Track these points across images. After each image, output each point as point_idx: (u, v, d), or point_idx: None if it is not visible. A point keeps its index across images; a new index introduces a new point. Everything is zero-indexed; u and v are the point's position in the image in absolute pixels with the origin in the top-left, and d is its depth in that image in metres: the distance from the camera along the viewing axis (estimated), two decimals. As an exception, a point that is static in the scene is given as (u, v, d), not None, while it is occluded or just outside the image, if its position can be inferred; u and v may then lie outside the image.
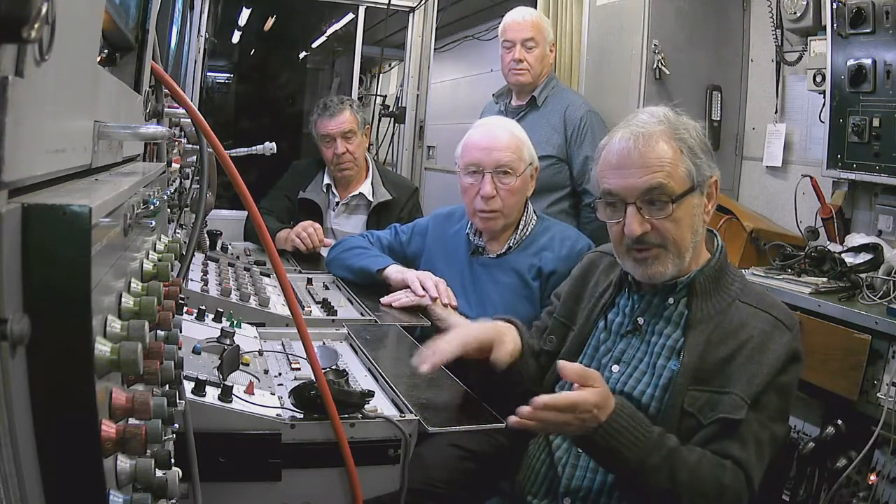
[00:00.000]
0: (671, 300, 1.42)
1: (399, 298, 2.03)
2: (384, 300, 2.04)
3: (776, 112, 3.08)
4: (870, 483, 2.07)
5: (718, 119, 3.20)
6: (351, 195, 2.95)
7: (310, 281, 2.29)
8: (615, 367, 1.44)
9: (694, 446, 1.29)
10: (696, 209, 1.39)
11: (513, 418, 1.25)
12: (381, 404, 1.32)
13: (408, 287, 2.05)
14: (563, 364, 1.28)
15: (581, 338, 1.53)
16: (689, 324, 1.38)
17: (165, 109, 1.29)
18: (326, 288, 2.27)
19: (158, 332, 0.79)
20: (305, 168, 3.08)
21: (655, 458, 1.24)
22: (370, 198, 2.93)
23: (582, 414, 1.23)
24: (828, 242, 2.64)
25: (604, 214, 1.44)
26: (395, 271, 2.12)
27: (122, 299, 0.67)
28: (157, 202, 0.86)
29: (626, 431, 1.24)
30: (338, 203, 2.97)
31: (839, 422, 2.13)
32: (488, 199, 1.99)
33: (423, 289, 2.01)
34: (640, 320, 1.45)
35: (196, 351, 1.38)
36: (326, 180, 2.97)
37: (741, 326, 1.35)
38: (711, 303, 1.39)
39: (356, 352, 1.66)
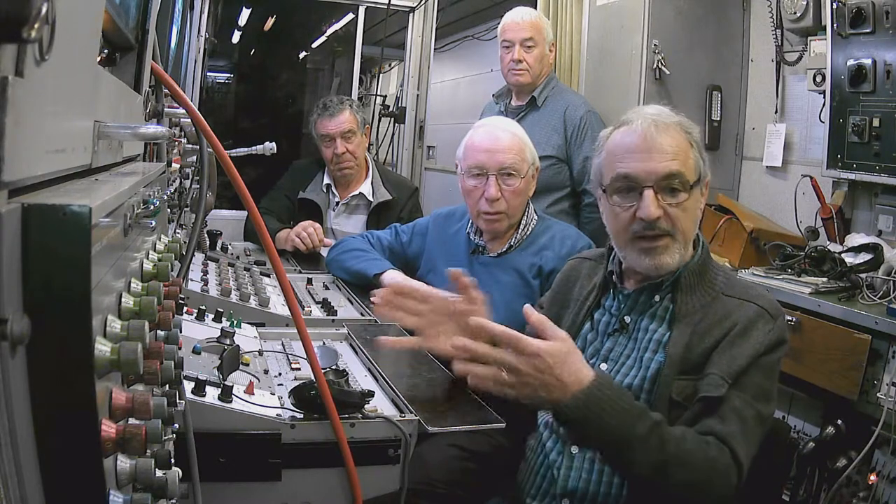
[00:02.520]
0: (657, 297, 1.43)
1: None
2: (376, 299, 2.04)
3: (776, 112, 3.08)
4: (870, 483, 2.07)
5: (718, 119, 3.20)
6: (351, 195, 2.95)
7: (310, 281, 2.29)
8: (603, 366, 1.44)
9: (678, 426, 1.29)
10: (698, 202, 1.42)
11: (458, 366, 1.28)
12: (381, 404, 1.32)
13: None
14: (527, 307, 1.31)
15: None
16: (674, 318, 1.39)
17: (165, 109, 1.29)
18: (326, 288, 2.27)
19: (158, 332, 0.79)
20: (305, 168, 3.08)
21: (642, 428, 1.22)
22: (370, 198, 2.93)
23: (533, 360, 1.21)
24: (828, 242, 2.65)
25: (613, 200, 1.42)
26: (390, 277, 2.11)
27: (122, 299, 0.67)
28: (157, 202, 0.86)
29: (610, 399, 1.23)
30: (338, 203, 2.97)
31: (839, 422, 2.13)
32: (493, 201, 1.99)
33: None
34: (627, 319, 1.46)
35: (196, 351, 1.38)
36: (326, 180, 2.98)
37: (726, 317, 1.36)
38: (696, 297, 1.40)
39: (356, 352, 1.66)
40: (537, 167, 2.08)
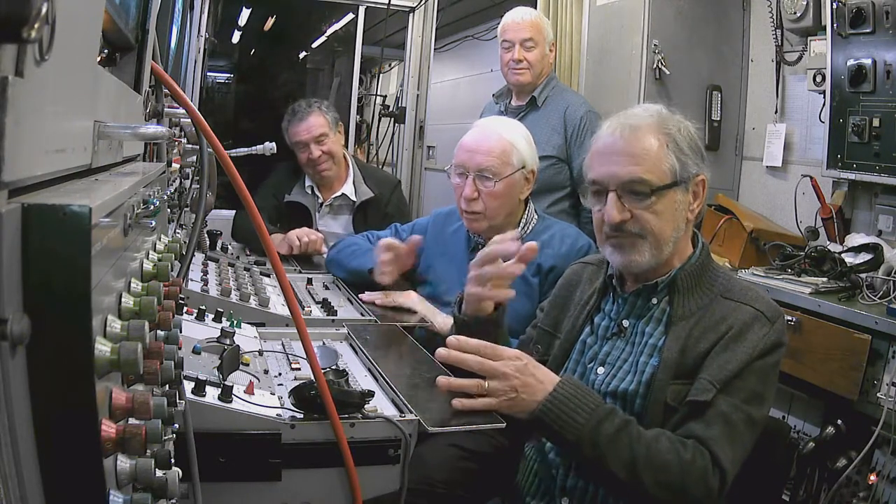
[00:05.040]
0: (654, 300, 1.43)
1: (377, 298, 2.06)
2: (364, 297, 2.05)
3: (776, 112, 3.08)
4: (870, 483, 2.07)
5: (718, 119, 3.20)
6: (333, 196, 2.94)
7: (310, 281, 2.29)
8: (600, 370, 1.44)
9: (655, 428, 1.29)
10: (678, 205, 1.40)
11: (441, 379, 1.33)
12: (381, 404, 1.32)
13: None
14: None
15: (567, 344, 1.54)
16: (670, 320, 1.39)
17: (165, 109, 1.29)
18: (326, 288, 2.27)
19: (158, 332, 0.79)
20: (288, 172, 3.04)
21: (609, 427, 1.24)
22: (353, 197, 2.93)
23: (514, 361, 1.30)
24: (828, 242, 2.65)
25: (590, 202, 1.47)
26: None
27: (122, 299, 0.67)
28: (157, 202, 0.86)
29: (575, 398, 1.27)
30: (321, 205, 2.96)
31: (839, 422, 2.13)
32: (469, 200, 2.01)
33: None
34: (626, 323, 1.45)
35: (196, 351, 1.38)
36: (309, 182, 2.97)
37: (722, 320, 1.35)
38: (694, 299, 1.40)
39: (356, 352, 1.66)
40: (532, 170, 2.07)
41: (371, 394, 1.30)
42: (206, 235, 2.41)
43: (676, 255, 1.43)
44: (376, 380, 1.48)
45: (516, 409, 1.30)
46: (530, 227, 2.09)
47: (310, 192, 2.97)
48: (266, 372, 1.43)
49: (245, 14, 5.03)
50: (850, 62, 2.55)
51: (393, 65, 6.06)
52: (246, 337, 1.59)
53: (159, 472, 0.65)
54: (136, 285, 0.73)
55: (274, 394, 1.30)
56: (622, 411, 1.31)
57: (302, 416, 1.21)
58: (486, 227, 2.06)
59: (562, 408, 1.26)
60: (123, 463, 0.61)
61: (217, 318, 1.62)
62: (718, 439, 1.25)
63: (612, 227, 1.39)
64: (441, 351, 1.35)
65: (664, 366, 1.34)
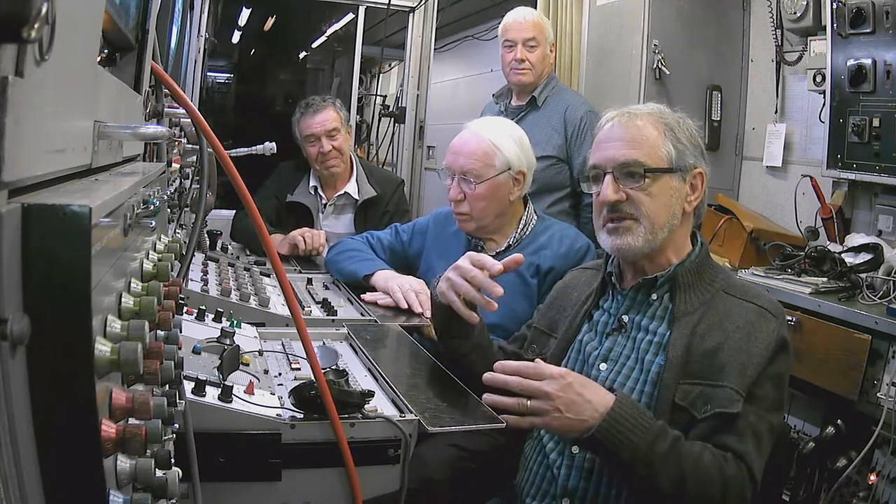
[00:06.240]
0: (654, 296, 1.44)
1: (380, 298, 2.05)
2: (365, 297, 2.06)
3: (776, 112, 3.08)
4: (870, 483, 2.07)
5: (718, 119, 3.21)
6: (337, 195, 2.94)
7: (310, 281, 2.29)
8: (603, 366, 1.44)
9: (693, 440, 1.29)
10: (674, 191, 1.42)
11: (487, 396, 1.31)
12: (381, 404, 1.32)
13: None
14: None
15: (565, 342, 1.54)
16: (673, 317, 1.39)
17: (165, 109, 1.29)
18: (326, 288, 2.27)
19: (158, 332, 0.79)
20: (291, 171, 3.03)
21: (662, 446, 1.23)
22: (356, 196, 2.93)
23: (558, 380, 1.26)
24: (828, 242, 2.65)
25: (591, 189, 1.50)
26: (381, 279, 2.11)
27: (122, 299, 0.67)
28: (157, 202, 0.86)
29: (632, 418, 1.25)
30: (325, 205, 2.96)
31: (839, 422, 2.13)
32: (455, 202, 2.04)
33: (408, 303, 2.00)
34: (625, 318, 1.46)
35: (196, 351, 1.38)
36: (313, 182, 2.96)
37: (726, 317, 1.36)
38: (695, 295, 1.41)
39: (356, 352, 1.66)
40: (521, 172, 2.06)
41: (371, 394, 1.30)
42: (206, 235, 2.41)
43: (674, 250, 1.44)
44: (376, 380, 1.48)
45: (565, 428, 1.28)
46: (529, 228, 2.09)
47: (312, 193, 2.96)
48: (266, 372, 1.43)
49: (245, 14, 5.03)
50: (850, 62, 2.55)
51: (393, 65, 6.07)
52: (246, 337, 1.59)
53: (159, 472, 0.65)
54: (136, 285, 0.73)
55: (274, 394, 1.30)
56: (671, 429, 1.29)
57: (302, 416, 1.21)
58: (474, 227, 2.07)
59: (619, 428, 1.24)
60: (123, 463, 0.61)
61: (217, 318, 1.62)
62: (752, 452, 1.27)
63: (609, 209, 1.42)
64: (486, 375, 1.33)
65: (670, 364, 1.34)
